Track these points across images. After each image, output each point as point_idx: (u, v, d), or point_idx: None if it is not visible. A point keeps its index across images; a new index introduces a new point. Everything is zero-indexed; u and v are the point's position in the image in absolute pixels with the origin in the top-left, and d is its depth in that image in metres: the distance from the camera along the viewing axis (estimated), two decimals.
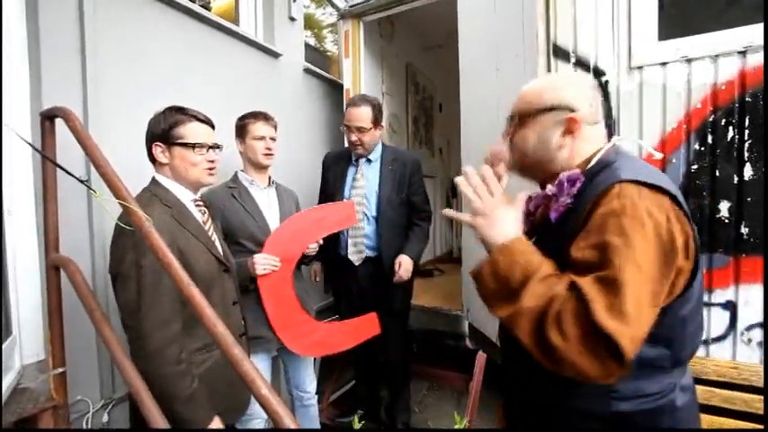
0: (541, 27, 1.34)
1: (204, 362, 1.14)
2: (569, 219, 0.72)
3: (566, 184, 0.74)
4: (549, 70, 1.37)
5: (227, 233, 1.52)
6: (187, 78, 1.81)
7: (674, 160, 1.67)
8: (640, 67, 1.73)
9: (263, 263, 1.47)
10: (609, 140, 0.81)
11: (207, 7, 2.29)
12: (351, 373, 2.51)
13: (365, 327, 1.72)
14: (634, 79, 1.75)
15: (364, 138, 1.86)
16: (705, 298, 1.51)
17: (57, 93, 1.30)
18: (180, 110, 1.18)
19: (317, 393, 1.86)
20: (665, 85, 1.68)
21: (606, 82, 1.83)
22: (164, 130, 1.13)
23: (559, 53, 1.84)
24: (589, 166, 0.75)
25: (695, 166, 1.62)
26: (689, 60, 1.62)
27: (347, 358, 2.40)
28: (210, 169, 1.19)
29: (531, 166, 0.82)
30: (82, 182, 0.93)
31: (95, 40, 1.42)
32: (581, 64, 1.86)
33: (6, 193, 1.20)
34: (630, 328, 0.58)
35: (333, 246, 1.89)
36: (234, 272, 1.33)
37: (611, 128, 1.83)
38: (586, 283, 0.61)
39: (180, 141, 1.13)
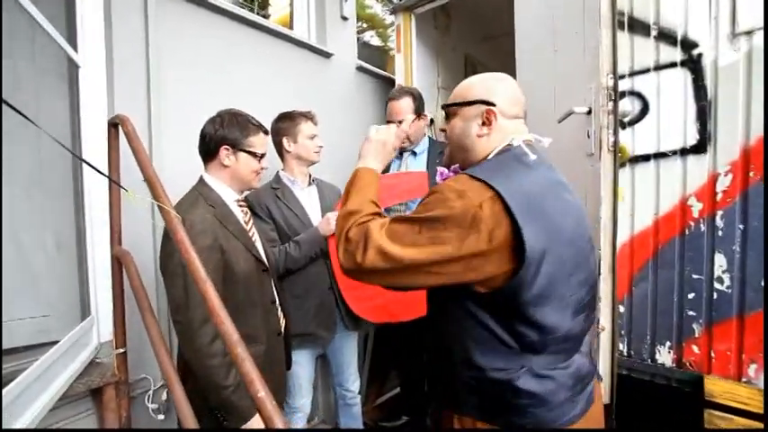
0: None
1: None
2: None
3: (445, 174, 0.95)
4: (614, 47, 1.16)
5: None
6: (240, 83, 1.92)
7: None
8: (749, 32, 1.39)
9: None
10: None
11: (266, 16, 2.42)
12: (396, 381, 2.46)
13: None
14: (739, 48, 1.41)
15: (408, 130, 1.81)
16: None
17: (125, 102, 1.47)
18: (247, 119, 1.26)
19: (361, 393, 1.85)
20: None
21: (699, 56, 1.51)
22: (237, 137, 1.21)
23: (637, 26, 1.57)
24: (489, 157, 0.88)
25: None
26: None
27: (394, 363, 2.36)
28: (260, 175, 1.29)
29: (455, 153, 0.95)
30: (114, 182, 1.02)
31: (158, 51, 1.57)
32: (665, 37, 1.57)
33: (87, 189, 1.39)
34: (384, 243, 0.76)
35: None
36: (273, 272, 1.36)
37: (704, 110, 1.51)
38: (381, 220, 0.82)
39: (249, 150, 1.22)
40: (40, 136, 1.20)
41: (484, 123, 0.88)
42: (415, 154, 1.89)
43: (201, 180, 1.24)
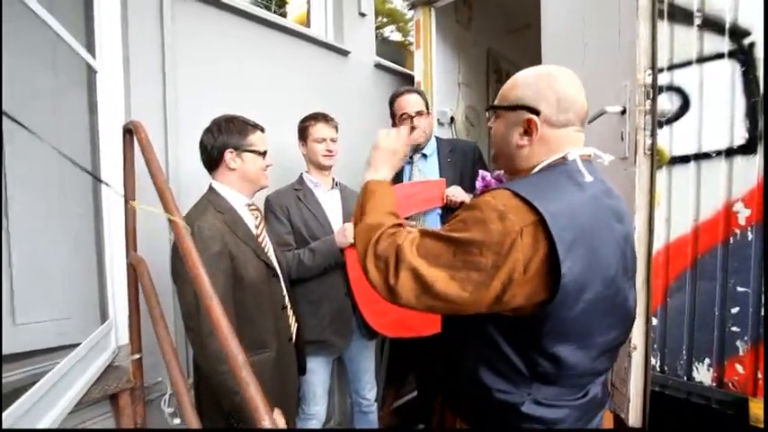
0: None
1: (258, 362, 1.17)
2: None
3: (488, 179, 0.93)
4: (654, 41, 1.05)
5: (293, 232, 1.57)
6: (259, 83, 1.90)
7: None
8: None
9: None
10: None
11: (283, 14, 2.39)
12: (413, 385, 2.41)
13: None
14: None
15: (424, 124, 1.76)
16: None
17: (142, 106, 1.48)
18: (242, 120, 1.27)
19: (377, 399, 1.82)
20: None
21: (750, 45, 1.36)
22: (237, 140, 1.22)
23: (678, 15, 1.44)
24: (536, 171, 0.79)
25: None
26: None
27: (411, 368, 2.31)
28: (266, 173, 1.29)
29: (498, 158, 0.89)
30: (122, 195, 1.01)
31: (174, 54, 1.57)
32: (711, 25, 1.42)
33: (105, 194, 1.40)
34: (382, 281, 0.76)
35: None
36: (284, 277, 1.34)
37: (754, 106, 1.36)
38: (411, 234, 0.75)
39: (251, 149, 1.23)
40: (60, 141, 1.22)
41: (525, 132, 0.78)
42: (425, 156, 1.82)
43: (210, 188, 1.25)
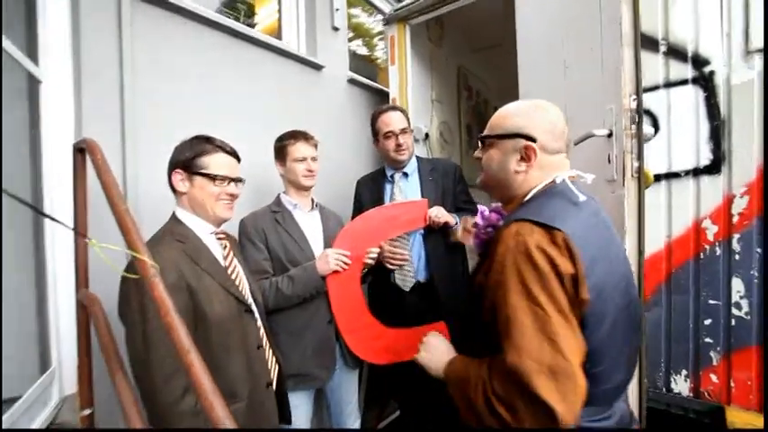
0: (626, 12, 1.06)
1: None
2: (488, 248, 0.82)
3: (486, 214, 0.91)
4: (637, 65, 1.08)
5: (271, 258, 1.45)
6: (226, 97, 1.77)
7: None
8: (763, 50, 1.34)
9: (335, 257, 1.40)
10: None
11: (252, 25, 2.28)
12: (395, 405, 2.33)
13: None
14: (753, 66, 1.37)
15: (409, 141, 1.72)
16: None
17: (96, 121, 1.31)
18: (207, 139, 1.14)
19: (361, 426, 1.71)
20: None
21: (711, 73, 1.46)
22: (187, 158, 1.09)
23: (644, 41, 1.51)
24: (524, 200, 0.83)
25: None
26: None
27: (392, 388, 2.23)
28: (230, 203, 1.13)
29: (493, 186, 0.90)
30: (77, 232, 0.86)
31: (132, 66, 1.41)
32: (674, 53, 1.51)
33: (49, 226, 1.22)
34: (537, 362, 0.63)
35: (377, 271, 1.72)
36: (261, 311, 1.22)
37: (717, 129, 1.45)
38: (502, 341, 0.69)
39: (202, 171, 1.08)
40: None
41: (522, 159, 0.82)
42: (406, 175, 1.78)
43: (173, 216, 1.12)
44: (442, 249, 1.68)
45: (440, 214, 1.58)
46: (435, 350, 0.93)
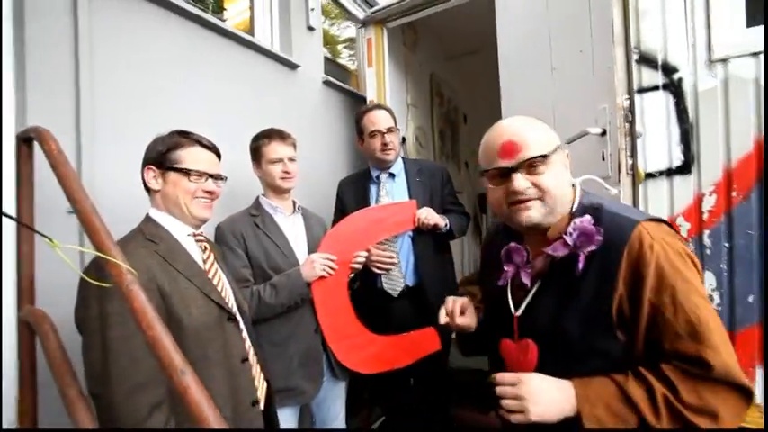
0: (617, 13, 1.09)
1: None
2: (590, 265, 0.74)
3: (586, 228, 0.74)
4: (629, 65, 1.11)
5: (251, 265, 1.33)
6: (196, 93, 1.63)
7: None
8: (724, 60, 1.45)
9: (322, 262, 1.30)
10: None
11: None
12: (379, 411, 2.25)
13: (424, 342, 1.51)
14: (716, 75, 1.47)
15: (395, 141, 1.67)
16: None
17: (44, 114, 1.13)
18: (183, 133, 1.03)
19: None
20: (759, 80, 1.40)
21: (680, 80, 1.54)
22: (159, 153, 0.98)
23: None
24: (573, 209, 0.78)
25: None
26: None
27: (375, 394, 2.15)
28: (207, 202, 1.02)
29: (554, 204, 0.77)
30: (32, 229, 0.71)
31: (90, 52, 1.25)
32: (646, 61, 1.59)
33: None
34: (731, 356, 0.66)
35: (364, 276, 1.63)
36: (246, 321, 1.09)
37: (687, 132, 1.54)
38: (689, 348, 0.66)
39: (175, 166, 0.97)
40: None
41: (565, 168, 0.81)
42: (393, 176, 1.73)
43: (146, 216, 1.00)
44: (431, 252, 1.63)
45: (429, 216, 1.54)
46: (540, 394, 0.70)
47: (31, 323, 0.87)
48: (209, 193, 1.03)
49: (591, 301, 0.72)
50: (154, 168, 0.98)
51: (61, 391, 0.77)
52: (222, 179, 1.08)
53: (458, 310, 0.94)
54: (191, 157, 1.00)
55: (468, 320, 0.95)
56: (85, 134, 1.21)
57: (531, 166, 0.75)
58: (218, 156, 1.09)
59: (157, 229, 0.98)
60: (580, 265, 0.73)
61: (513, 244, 0.84)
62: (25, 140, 0.90)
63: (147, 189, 1.01)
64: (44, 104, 1.14)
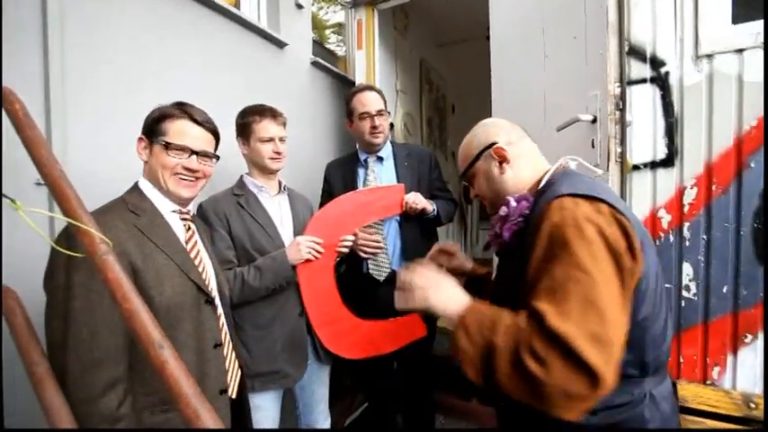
0: (612, 1, 1.09)
1: (163, 424, 0.87)
2: (524, 238, 0.78)
3: (513, 204, 0.82)
4: (621, 53, 1.11)
5: (235, 246, 1.29)
6: (174, 62, 1.55)
7: (752, 164, 1.41)
8: (710, 56, 1.47)
9: (308, 245, 1.28)
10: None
11: None
12: (362, 397, 2.25)
13: (410, 328, 1.51)
14: (702, 70, 1.49)
15: (385, 124, 1.64)
16: None
17: (9, 77, 1.04)
18: (179, 104, 0.99)
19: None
20: (742, 77, 1.43)
21: (666, 74, 1.56)
22: (148, 123, 0.95)
23: None
24: (539, 188, 0.83)
25: None
26: None
27: (357, 380, 2.15)
28: (187, 180, 0.97)
29: (496, 203, 0.89)
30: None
31: (61, 14, 1.16)
32: (635, 53, 1.61)
33: None
34: (580, 328, 0.59)
35: (350, 261, 1.61)
36: (225, 304, 1.06)
37: (671, 126, 1.57)
38: (539, 303, 0.64)
39: (159, 138, 0.94)
40: None
41: (500, 162, 0.87)
42: (381, 159, 1.71)
43: (134, 185, 0.97)
44: (418, 237, 1.62)
45: (417, 200, 1.52)
46: (436, 281, 0.79)
47: None
48: (191, 170, 0.98)
49: (517, 270, 0.74)
50: (144, 138, 0.96)
51: (28, 369, 0.72)
52: (211, 158, 1.03)
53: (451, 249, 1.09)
54: (176, 129, 0.96)
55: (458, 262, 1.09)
56: (56, 105, 1.13)
57: (467, 180, 0.95)
58: (214, 134, 1.04)
59: (143, 200, 0.95)
60: (505, 233, 0.83)
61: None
62: None
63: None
64: (9, 66, 1.06)
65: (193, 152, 0.97)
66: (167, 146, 0.94)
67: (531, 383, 0.59)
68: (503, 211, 0.84)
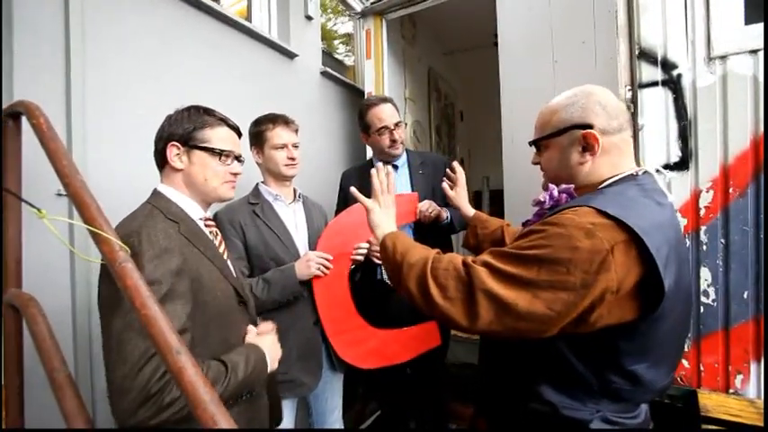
0: (622, 4, 1.09)
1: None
2: None
3: (555, 194, 0.87)
4: (632, 56, 1.11)
5: (249, 256, 1.30)
6: (190, 76, 1.59)
7: None
8: (723, 57, 1.45)
9: (318, 261, 1.28)
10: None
11: None
12: (374, 404, 2.24)
13: (425, 337, 1.50)
14: (715, 71, 1.48)
15: (402, 135, 1.66)
16: None
17: (33, 90, 1.09)
18: (207, 111, 0.99)
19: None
20: (757, 77, 1.41)
21: (679, 76, 1.55)
22: (186, 130, 0.93)
23: None
24: (599, 187, 0.76)
25: None
26: None
27: (370, 388, 2.14)
28: (232, 182, 1.00)
29: (555, 182, 0.88)
30: (18, 197, 0.68)
31: (83, 33, 1.21)
32: (645, 56, 1.60)
33: None
34: (457, 308, 0.70)
35: (365, 269, 1.60)
36: (252, 306, 1.07)
37: (685, 129, 1.55)
38: (482, 256, 0.72)
39: (204, 145, 0.94)
40: None
41: (584, 149, 0.76)
42: (396, 168, 1.71)
43: (156, 192, 0.95)
44: (432, 245, 1.61)
45: (431, 208, 1.52)
46: (380, 216, 1.03)
47: (17, 306, 0.83)
48: (234, 174, 1.00)
49: None
50: (178, 146, 0.93)
51: (49, 375, 0.74)
52: (242, 161, 1.04)
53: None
54: (219, 137, 0.97)
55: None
56: (76, 113, 1.17)
57: (536, 147, 0.86)
58: (240, 136, 1.06)
59: (171, 206, 0.92)
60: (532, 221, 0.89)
61: None
62: (12, 116, 0.86)
63: (162, 167, 0.96)
64: (33, 80, 1.10)
65: (236, 157, 1.00)
66: (217, 153, 0.95)
67: (427, 298, 0.73)
68: (542, 196, 0.87)
